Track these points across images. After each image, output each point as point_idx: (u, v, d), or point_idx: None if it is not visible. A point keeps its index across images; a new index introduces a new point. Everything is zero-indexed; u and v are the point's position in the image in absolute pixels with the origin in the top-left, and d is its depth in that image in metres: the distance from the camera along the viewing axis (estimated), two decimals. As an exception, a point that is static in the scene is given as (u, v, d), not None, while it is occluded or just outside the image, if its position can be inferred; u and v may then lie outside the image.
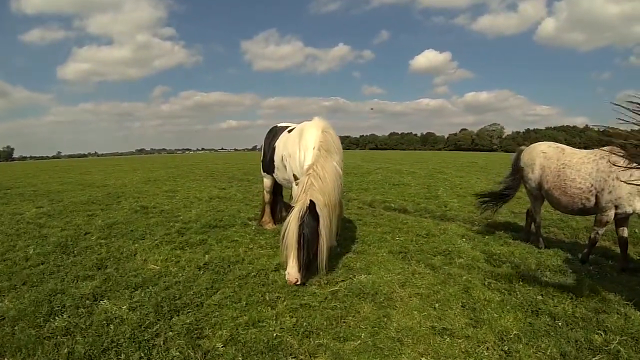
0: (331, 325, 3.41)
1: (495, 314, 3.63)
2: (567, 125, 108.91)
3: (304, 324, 3.42)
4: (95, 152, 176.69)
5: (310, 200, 4.08)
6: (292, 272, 4.05)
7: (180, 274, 4.62)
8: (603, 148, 4.80)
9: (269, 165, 6.16)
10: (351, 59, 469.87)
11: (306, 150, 4.63)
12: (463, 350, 3.06)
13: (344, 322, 3.47)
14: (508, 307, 3.78)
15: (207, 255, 5.27)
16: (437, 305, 3.78)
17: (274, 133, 6.21)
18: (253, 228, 6.75)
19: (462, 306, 3.80)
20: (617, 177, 4.51)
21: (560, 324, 3.47)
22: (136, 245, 5.86)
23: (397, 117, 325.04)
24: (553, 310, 3.72)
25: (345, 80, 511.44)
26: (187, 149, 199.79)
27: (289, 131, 5.63)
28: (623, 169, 4.17)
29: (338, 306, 3.76)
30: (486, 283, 4.34)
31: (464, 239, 6.14)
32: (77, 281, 4.42)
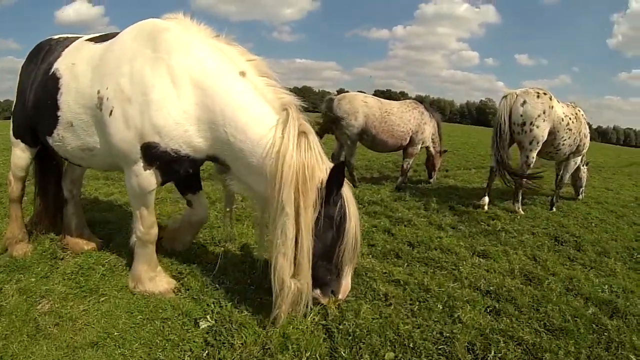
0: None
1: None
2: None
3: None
4: None
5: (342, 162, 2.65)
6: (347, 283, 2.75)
7: None
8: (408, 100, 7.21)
9: (35, 120, 3.18)
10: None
11: (214, 77, 2.47)
12: None
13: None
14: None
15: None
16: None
17: (46, 51, 3.23)
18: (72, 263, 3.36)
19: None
20: (425, 122, 6.78)
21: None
22: None
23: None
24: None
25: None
26: None
27: (98, 41, 2.98)
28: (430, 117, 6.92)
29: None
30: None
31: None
32: None
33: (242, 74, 2.49)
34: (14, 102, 3.48)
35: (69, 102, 2.82)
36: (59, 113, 2.86)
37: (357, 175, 8.10)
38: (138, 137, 2.52)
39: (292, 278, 2.43)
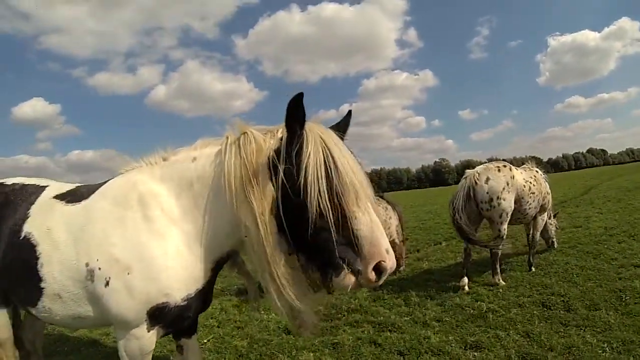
0: None
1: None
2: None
3: None
4: None
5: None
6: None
7: None
8: None
9: (6, 287, 2.77)
10: None
11: (183, 195, 2.44)
12: None
13: None
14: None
15: None
16: None
17: (3, 204, 2.88)
18: None
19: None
20: (390, 217, 7.19)
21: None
22: None
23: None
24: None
25: None
26: None
27: (69, 201, 2.72)
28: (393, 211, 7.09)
29: None
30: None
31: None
32: None
33: (193, 159, 2.44)
34: None
35: (54, 273, 2.52)
36: (42, 285, 2.54)
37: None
38: (144, 304, 2.28)
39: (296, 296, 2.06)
